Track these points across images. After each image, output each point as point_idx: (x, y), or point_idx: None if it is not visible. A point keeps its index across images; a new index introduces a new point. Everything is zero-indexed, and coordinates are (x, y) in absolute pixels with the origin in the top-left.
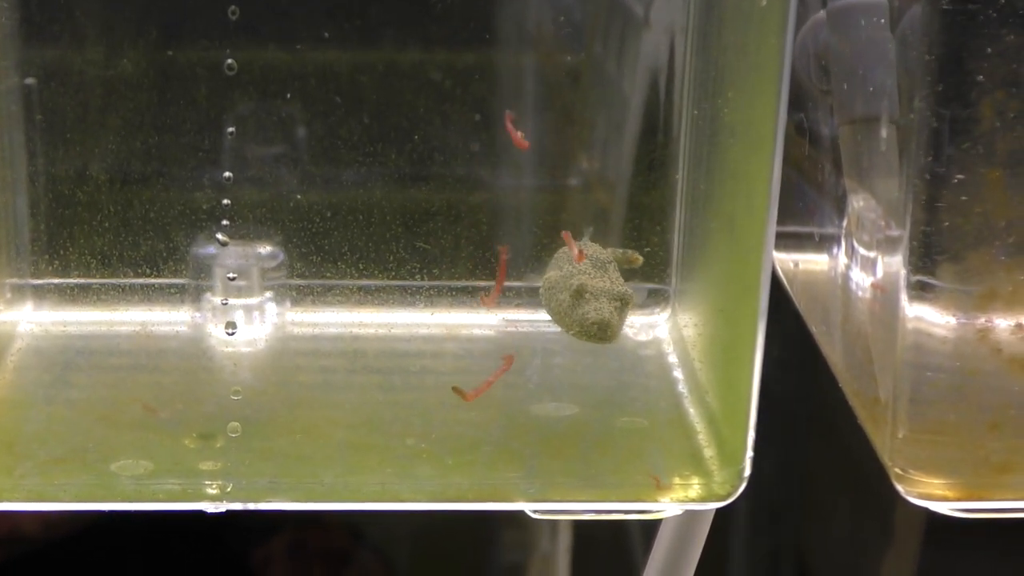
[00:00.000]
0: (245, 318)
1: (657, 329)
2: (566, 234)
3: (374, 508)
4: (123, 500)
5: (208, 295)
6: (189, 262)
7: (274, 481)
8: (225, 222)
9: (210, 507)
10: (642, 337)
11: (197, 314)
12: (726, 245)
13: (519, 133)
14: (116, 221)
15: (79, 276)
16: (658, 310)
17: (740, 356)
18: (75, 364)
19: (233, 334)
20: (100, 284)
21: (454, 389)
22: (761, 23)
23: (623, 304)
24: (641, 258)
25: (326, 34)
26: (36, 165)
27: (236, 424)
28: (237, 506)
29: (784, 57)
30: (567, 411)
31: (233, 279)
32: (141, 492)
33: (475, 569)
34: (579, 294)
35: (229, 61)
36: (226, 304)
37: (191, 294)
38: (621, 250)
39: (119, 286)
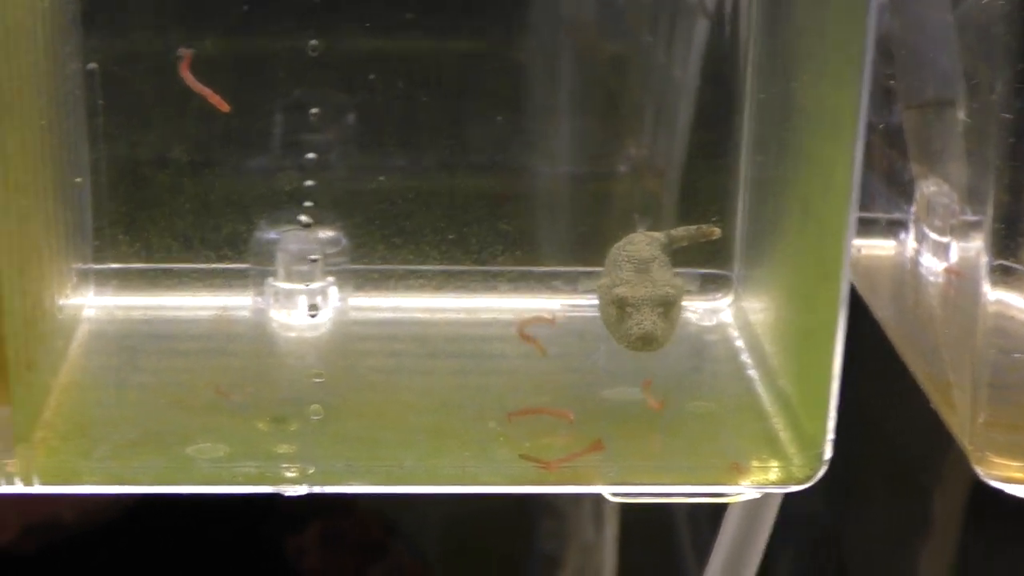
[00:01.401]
0: (308, 303)
1: (721, 314)
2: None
3: (453, 491)
4: (202, 483)
5: (271, 279)
6: (252, 247)
7: (352, 464)
8: (308, 203)
9: (289, 490)
10: (706, 322)
11: (259, 298)
12: (802, 230)
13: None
14: (180, 205)
15: (140, 261)
16: (720, 295)
17: (820, 341)
18: (141, 348)
19: (315, 316)
20: (161, 269)
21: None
22: (842, 4)
23: (668, 306)
24: (718, 229)
25: (408, 15)
26: (99, 150)
27: (318, 407)
28: (317, 489)
29: (868, 38)
30: (638, 395)
31: (316, 260)
32: (220, 475)
33: (508, 560)
34: (620, 307)
35: (313, 42)
36: (309, 287)
37: (253, 279)
38: (695, 226)
39: (181, 271)
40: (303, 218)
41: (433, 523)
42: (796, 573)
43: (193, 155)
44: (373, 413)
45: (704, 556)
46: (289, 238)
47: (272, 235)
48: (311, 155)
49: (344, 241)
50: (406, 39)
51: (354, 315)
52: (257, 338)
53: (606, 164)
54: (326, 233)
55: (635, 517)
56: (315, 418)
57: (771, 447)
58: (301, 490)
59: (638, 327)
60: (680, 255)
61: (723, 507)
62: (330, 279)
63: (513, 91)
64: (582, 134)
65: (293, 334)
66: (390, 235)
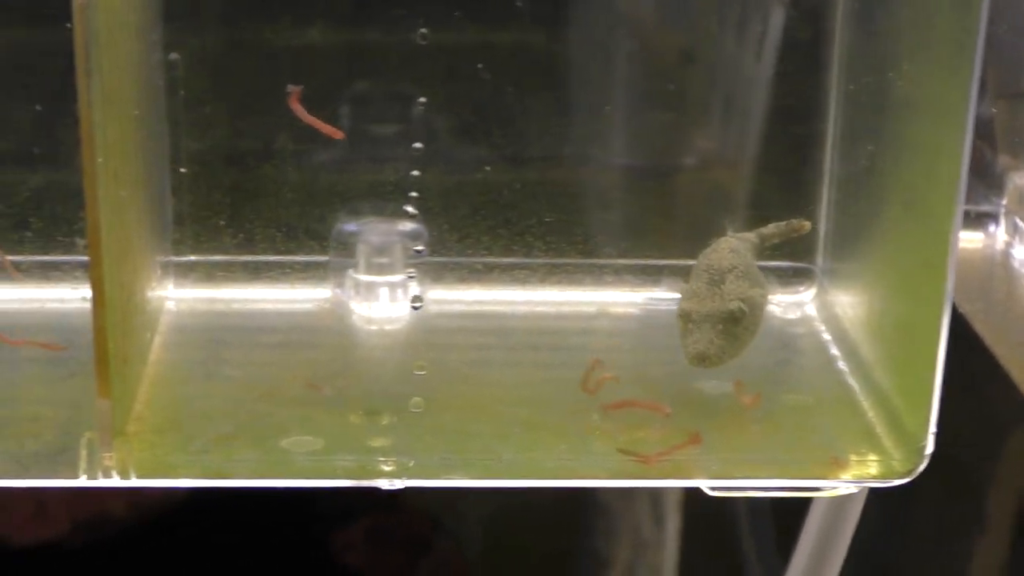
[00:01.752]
0: (389, 295)
1: (805, 307)
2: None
3: (553, 485)
4: (300, 476)
5: (351, 271)
6: (332, 238)
7: (449, 458)
8: (413, 193)
9: (387, 484)
10: (790, 315)
11: (339, 290)
12: (904, 222)
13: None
14: (261, 196)
15: (219, 252)
16: (802, 288)
17: (923, 334)
18: (225, 341)
19: (419, 308)
20: (239, 261)
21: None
22: None
23: (733, 322)
24: (808, 224)
25: (519, 3)
26: (181, 140)
27: (419, 400)
28: (415, 483)
29: (980, 26)
30: (730, 389)
31: (421, 251)
32: (317, 469)
33: (554, 556)
34: (684, 321)
35: (422, 31)
36: (412, 278)
37: (333, 271)
38: (785, 222)
39: (258, 263)
40: (409, 208)
41: (479, 518)
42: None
43: (296, 145)
44: (466, 406)
45: (764, 552)
46: (370, 230)
47: (352, 227)
48: (418, 145)
49: (426, 234)
50: (514, 29)
51: (434, 308)
52: (339, 331)
53: (694, 158)
54: (408, 226)
55: (694, 512)
56: (416, 411)
57: (869, 441)
58: (399, 484)
59: (694, 345)
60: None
61: (789, 503)
62: (410, 272)
63: (614, 84)
64: (670, 128)
65: (374, 327)
66: (495, 226)
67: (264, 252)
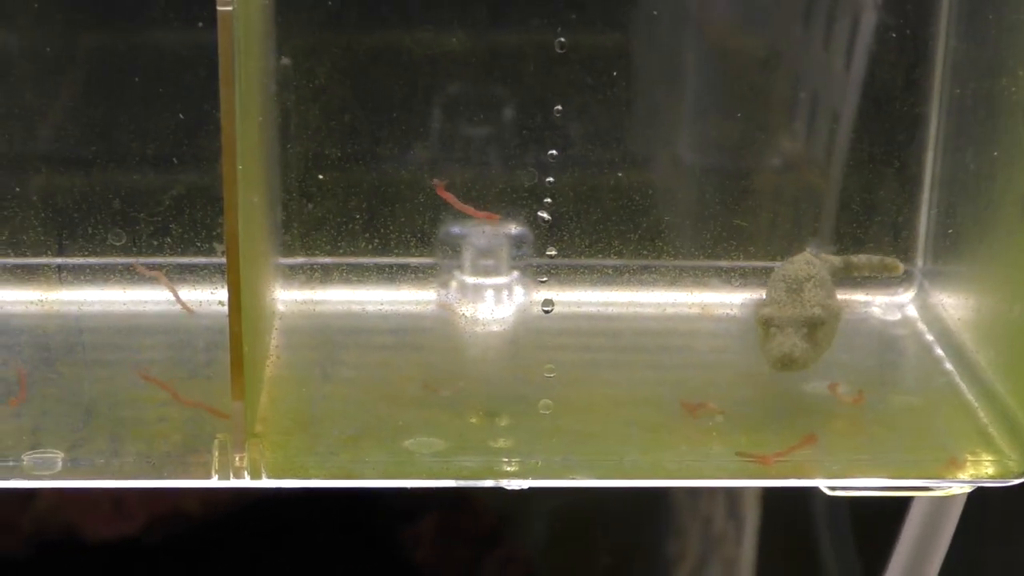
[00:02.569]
0: (495, 297)
1: (905, 309)
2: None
3: (674, 484)
4: (426, 477)
5: (456, 273)
6: (438, 241)
7: (570, 458)
8: (547, 200)
9: (510, 484)
10: (890, 317)
11: (444, 292)
12: (1019, 226)
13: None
14: (366, 200)
15: (327, 255)
16: (901, 290)
17: None
18: (337, 343)
19: (550, 311)
20: (345, 264)
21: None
22: None
23: (814, 327)
24: (901, 266)
25: (655, 13)
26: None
27: (548, 401)
28: (539, 484)
29: None
30: (841, 389)
31: (554, 255)
32: (442, 469)
33: (620, 551)
34: (766, 326)
35: (560, 39)
36: (545, 281)
37: (439, 273)
38: (879, 258)
39: (366, 265)
40: (543, 214)
41: (545, 514)
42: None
43: (428, 152)
44: (582, 407)
45: (842, 551)
46: (476, 233)
47: (458, 230)
48: (553, 152)
49: (531, 237)
50: (649, 35)
51: (537, 310)
52: (446, 332)
53: (801, 162)
54: (514, 229)
55: (771, 508)
56: (545, 412)
57: (984, 441)
58: (523, 484)
59: (778, 348)
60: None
61: (867, 503)
62: (515, 274)
63: (742, 90)
64: (769, 133)
65: (479, 328)
66: (627, 231)
67: (368, 255)
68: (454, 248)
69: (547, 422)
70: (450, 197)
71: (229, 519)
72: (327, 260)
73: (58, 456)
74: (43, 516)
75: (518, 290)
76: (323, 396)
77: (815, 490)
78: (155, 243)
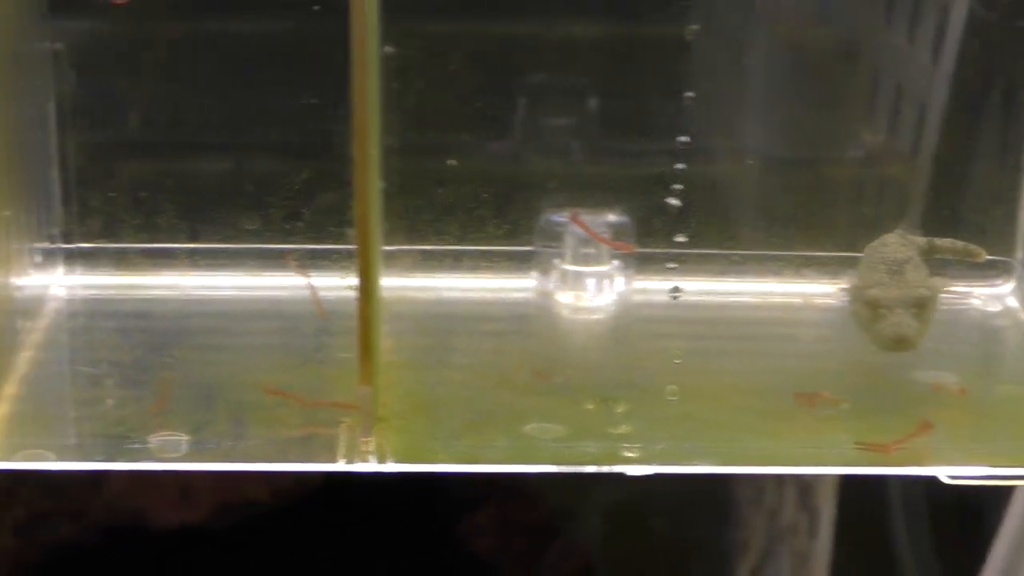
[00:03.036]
0: (596, 286)
1: (1006, 300)
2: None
3: (796, 472)
4: (549, 463)
5: (556, 261)
6: (538, 229)
7: (690, 445)
8: (677, 186)
9: (634, 470)
10: (991, 308)
11: (544, 279)
12: None
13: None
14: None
15: (427, 242)
16: (1000, 281)
17: None
18: (441, 329)
19: (678, 298)
20: (444, 251)
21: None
22: None
23: (922, 307)
24: (983, 253)
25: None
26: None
27: (675, 387)
28: (661, 469)
29: None
30: (948, 379)
31: (683, 244)
32: (564, 455)
33: (680, 544)
34: (873, 308)
35: (693, 27)
36: (672, 268)
37: (538, 260)
38: (963, 243)
39: (463, 252)
40: (672, 201)
41: (605, 506)
42: None
43: (555, 138)
44: (696, 394)
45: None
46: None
47: (560, 218)
48: (684, 138)
49: (632, 225)
50: (784, 24)
51: (637, 298)
52: (548, 319)
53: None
54: (615, 217)
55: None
56: (672, 399)
57: None
58: (646, 470)
59: (892, 328)
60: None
61: (945, 496)
62: (615, 262)
63: (867, 80)
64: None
65: (580, 316)
66: (754, 219)
67: (466, 242)
68: (555, 236)
69: (663, 409)
70: (584, 225)
71: (293, 507)
72: (427, 247)
73: (183, 439)
74: (112, 503)
75: (618, 279)
76: (438, 381)
77: (891, 480)
78: (287, 227)
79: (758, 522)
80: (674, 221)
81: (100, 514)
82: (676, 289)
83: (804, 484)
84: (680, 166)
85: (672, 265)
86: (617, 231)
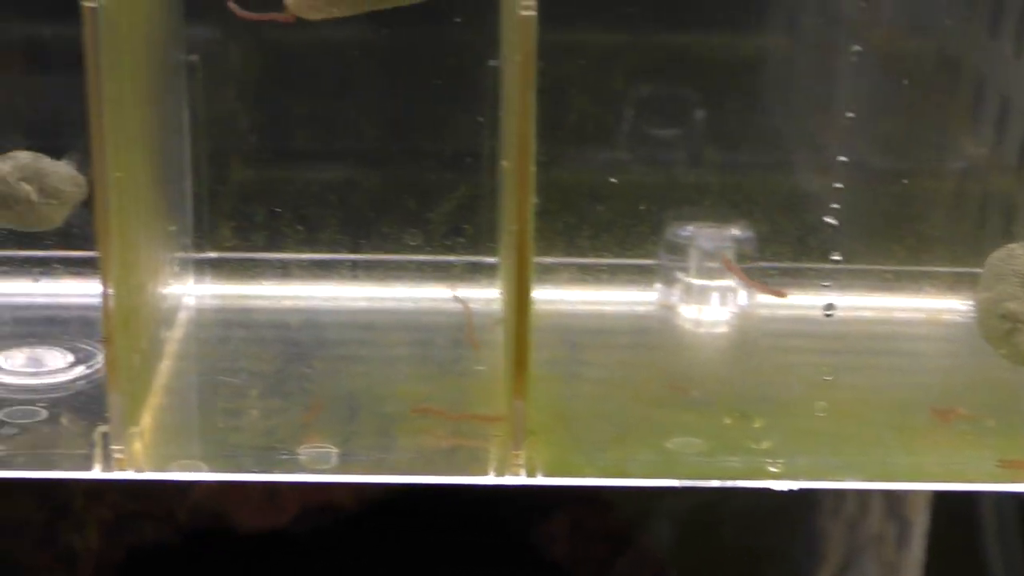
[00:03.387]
0: (720, 299)
1: None
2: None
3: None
4: (692, 477)
5: (679, 274)
6: (662, 242)
7: (831, 460)
8: (835, 205)
9: (777, 486)
10: None
11: (667, 292)
12: None
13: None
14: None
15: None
16: None
17: None
18: (570, 342)
19: (831, 315)
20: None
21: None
22: None
23: None
24: None
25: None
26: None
27: (824, 403)
28: (806, 485)
29: None
30: None
31: (838, 261)
32: (707, 470)
33: (753, 554)
34: (1010, 322)
35: (856, 48)
36: (826, 286)
37: (662, 273)
38: None
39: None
40: (828, 219)
41: (678, 516)
42: None
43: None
44: (828, 409)
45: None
46: (702, 235)
47: (685, 232)
48: (843, 158)
49: (755, 239)
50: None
51: (760, 312)
52: (675, 333)
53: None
54: (739, 231)
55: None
56: (820, 415)
57: None
58: (790, 486)
59: None
60: None
61: None
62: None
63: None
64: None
65: (703, 330)
66: (905, 235)
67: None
68: (679, 250)
69: (801, 423)
70: (736, 270)
71: (374, 513)
72: (546, 260)
73: (332, 451)
74: (198, 505)
75: (741, 293)
76: (575, 395)
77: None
78: (447, 243)
79: (836, 532)
80: (830, 239)
81: (186, 516)
82: (830, 306)
83: (892, 494)
84: (838, 185)
85: (826, 283)
86: (740, 245)
